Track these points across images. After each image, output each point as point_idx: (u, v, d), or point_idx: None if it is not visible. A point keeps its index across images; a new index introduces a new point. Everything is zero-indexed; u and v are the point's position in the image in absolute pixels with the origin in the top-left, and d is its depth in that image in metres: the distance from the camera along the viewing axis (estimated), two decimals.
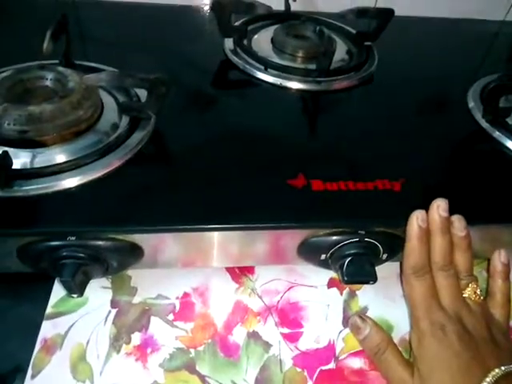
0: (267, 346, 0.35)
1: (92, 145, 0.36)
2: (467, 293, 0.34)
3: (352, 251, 0.34)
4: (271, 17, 0.58)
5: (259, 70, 0.49)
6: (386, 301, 0.39)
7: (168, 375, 0.32)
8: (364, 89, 0.49)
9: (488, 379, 0.29)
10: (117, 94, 0.42)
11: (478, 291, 0.34)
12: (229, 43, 0.52)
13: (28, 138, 0.34)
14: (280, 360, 0.34)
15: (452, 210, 0.33)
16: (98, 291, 0.37)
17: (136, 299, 0.37)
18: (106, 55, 0.48)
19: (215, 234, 0.33)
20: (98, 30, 0.55)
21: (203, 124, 0.42)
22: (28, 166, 0.34)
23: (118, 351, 0.33)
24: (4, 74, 0.38)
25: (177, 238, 0.33)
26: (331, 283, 0.39)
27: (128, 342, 0.34)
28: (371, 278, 0.33)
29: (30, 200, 0.31)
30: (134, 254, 0.33)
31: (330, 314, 0.37)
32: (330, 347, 0.35)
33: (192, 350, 0.34)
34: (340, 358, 0.35)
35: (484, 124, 0.44)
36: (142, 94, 0.39)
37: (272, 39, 0.54)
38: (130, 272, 0.38)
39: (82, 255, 0.31)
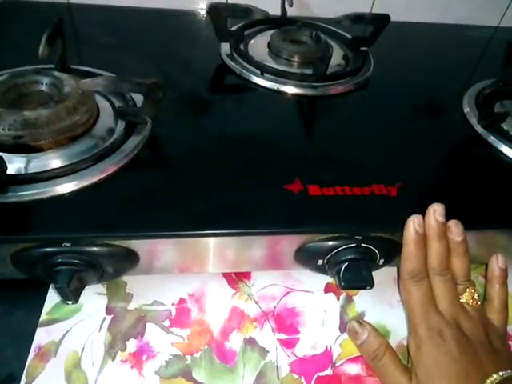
0: (264, 352, 0.34)
1: (88, 150, 0.35)
2: (465, 298, 0.34)
3: (349, 256, 0.34)
4: (268, 22, 0.58)
5: (255, 74, 0.49)
6: (383, 306, 0.39)
7: (164, 382, 0.32)
8: (360, 94, 0.49)
9: None
10: (113, 99, 0.42)
11: (476, 296, 0.34)
12: (225, 48, 0.52)
13: (23, 143, 0.34)
14: (277, 366, 0.34)
15: (448, 215, 0.33)
16: (93, 298, 0.36)
17: (131, 305, 0.36)
18: (101, 59, 0.47)
19: (211, 240, 0.33)
20: (94, 34, 0.55)
21: (199, 129, 0.42)
22: (23, 171, 0.33)
23: (113, 358, 0.33)
24: None
25: (172, 244, 0.33)
26: (328, 288, 0.39)
27: (123, 349, 0.33)
28: (368, 284, 0.33)
29: (24, 206, 0.31)
30: (129, 259, 0.32)
31: (326, 320, 0.37)
32: (327, 353, 0.35)
33: (188, 357, 0.34)
34: (337, 364, 0.34)
35: (479, 129, 0.44)
36: (138, 98, 0.39)
37: (268, 44, 0.54)
38: (125, 278, 0.38)
39: (77, 261, 0.31)
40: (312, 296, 0.39)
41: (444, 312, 0.33)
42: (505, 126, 0.44)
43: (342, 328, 0.37)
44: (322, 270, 0.36)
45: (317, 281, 0.40)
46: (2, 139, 0.34)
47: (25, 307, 0.35)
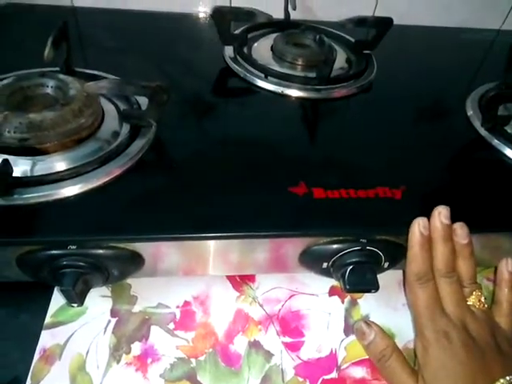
0: (269, 355, 0.34)
1: (93, 153, 0.36)
2: (471, 300, 0.34)
3: (354, 259, 0.34)
4: (271, 25, 0.58)
5: (259, 77, 0.49)
6: (387, 309, 0.38)
7: None
8: (363, 97, 0.49)
9: None
10: (117, 102, 0.42)
11: (483, 299, 0.34)
12: (229, 51, 0.53)
13: (28, 145, 0.34)
14: (282, 370, 0.34)
15: (452, 218, 0.33)
16: (98, 300, 0.36)
17: (136, 308, 0.36)
18: (106, 62, 0.48)
19: (216, 242, 0.33)
20: (98, 37, 0.55)
21: (204, 132, 0.42)
22: (28, 174, 0.33)
23: (118, 361, 0.33)
24: (4, 82, 0.37)
25: (177, 247, 0.33)
26: (332, 291, 0.39)
27: (128, 352, 0.33)
28: (373, 287, 0.33)
29: (30, 208, 0.31)
30: (134, 262, 0.33)
31: (331, 323, 0.37)
32: (332, 356, 0.35)
33: (193, 360, 0.33)
34: (342, 368, 0.34)
35: (483, 132, 0.44)
36: (143, 101, 0.39)
37: (272, 47, 0.54)
38: (129, 280, 0.38)
39: (83, 264, 0.31)
40: (316, 299, 0.39)
41: (451, 314, 0.32)
42: (508, 129, 0.44)
43: (347, 331, 0.37)
44: (326, 273, 0.36)
45: (321, 284, 0.40)
46: (8, 142, 0.34)
47: (30, 310, 0.35)
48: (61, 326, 0.34)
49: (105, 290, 0.37)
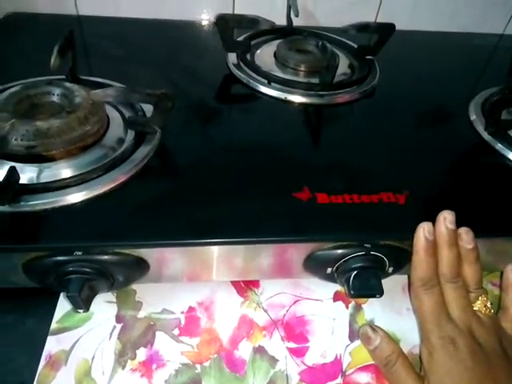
0: (273, 361, 0.34)
1: (98, 159, 0.36)
2: (477, 306, 0.33)
3: (358, 265, 0.34)
4: (274, 32, 0.59)
5: (262, 84, 0.49)
6: (392, 314, 0.38)
7: None
8: (366, 102, 0.50)
9: None
10: (123, 109, 0.42)
11: (489, 304, 0.34)
12: (232, 58, 0.53)
13: (35, 153, 0.34)
14: (287, 375, 0.34)
15: (457, 222, 0.33)
16: (103, 306, 0.37)
17: (141, 314, 0.36)
18: (110, 70, 0.48)
19: (220, 248, 0.33)
20: (103, 45, 0.56)
21: (208, 138, 0.42)
22: (35, 181, 0.34)
23: (124, 367, 0.33)
24: (11, 90, 0.38)
25: (182, 252, 0.33)
26: (337, 297, 0.39)
27: (133, 358, 0.34)
28: (378, 292, 0.33)
29: (36, 215, 0.31)
30: (139, 268, 0.33)
31: (336, 328, 0.37)
32: (337, 362, 0.35)
33: (198, 366, 0.34)
34: (347, 373, 0.34)
35: (486, 136, 0.44)
36: (148, 108, 0.40)
37: (275, 54, 0.54)
38: (134, 286, 0.38)
39: (88, 270, 0.31)
40: (321, 304, 0.39)
41: (456, 319, 0.32)
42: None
43: (352, 336, 0.37)
44: (331, 278, 0.36)
45: (326, 289, 0.40)
46: (15, 149, 0.34)
47: (36, 316, 0.36)
48: (66, 331, 0.35)
49: (110, 296, 0.37)
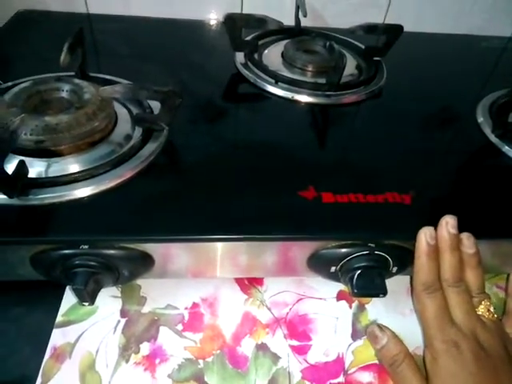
0: (276, 358, 0.35)
1: (106, 155, 0.36)
2: (480, 310, 0.33)
3: (362, 264, 0.34)
4: (282, 32, 0.59)
5: (270, 83, 0.49)
6: (395, 315, 0.38)
7: None
8: (373, 103, 0.50)
9: None
10: (130, 106, 0.43)
11: (492, 309, 0.34)
12: (240, 57, 0.53)
13: (44, 147, 0.35)
14: (289, 372, 0.34)
15: (461, 224, 0.33)
16: (108, 300, 0.37)
17: (145, 309, 0.37)
18: (119, 68, 0.49)
19: (225, 245, 0.33)
20: (113, 43, 0.57)
21: (215, 136, 0.42)
22: (43, 175, 0.34)
23: (127, 361, 0.33)
24: (22, 86, 0.38)
25: (187, 248, 0.33)
26: (340, 296, 0.39)
27: (137, 352, 0.34)
28: (381, 291, 0.33)
29: (44, 208, 0.32)
30: (144, 263, 0.33)
31: (338, 327, 0.37)
32: (339, 360, 0.35)
33: (201, 361, 0.34)
34: (349, 372, 0.34)
35: (493, 139, 0.44)
36: (155, 105, 0.40)
37: (282, 54, 0.55)
38: (139, 281, 0.38)
39: (94, 264, 0.31)
40: (324, 303, 0.39)
41: (460, 324, 0.32)
42: None
43: (355, 335, 0.37)
44: (334, 277, 0.36)
45: (329, 288, 0.40)
46: (25, 144, 0.34)
47: (41, 309, 0.36)
48: (72, 324, 0.35)
49: (115, 291, 0.38)
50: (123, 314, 0.36)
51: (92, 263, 0.31)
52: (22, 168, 0.32)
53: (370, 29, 0.53)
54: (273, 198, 0.35)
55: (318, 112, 0.48)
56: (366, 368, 0.35)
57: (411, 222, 0.34)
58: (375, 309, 0.39)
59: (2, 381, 0.32)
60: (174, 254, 0.34)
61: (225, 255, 0.34)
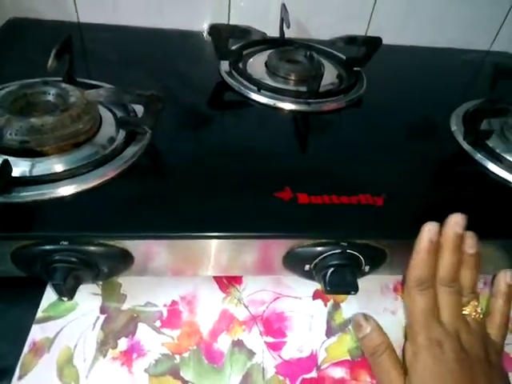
0: (251, 354, 0.35)
1: (89, 156, 0.37)
2: (468, 309, 0.34)
3: (334, 262, 0.35)
4: (267, 42, 0.61)
5: (253, 91, 0.51)
6: (369, 313, 0.39)
7: (152, 380, 0.33)
8: (352, 110, 0.52)
9: None
10: (116, 110, 0.44)
11: (479, 309, 0.34)
12: (225, 66, 0.55)
13: (28, 147, 0.36)
14: (263, 368, 0.35)
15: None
16: (88, 297, 0.38)
17: (125, 306, 0.37)
18: (107, 74, 0.50)
19: (202, 243, 0.34)
20: (102, 50, 0.58)
21: (197, 140, 0.44)
22: (27, 174, 0.35)
23: (105, 356, 0.34)
24: (9, 89, 0.40)
25: (166, 246, 0.34)
26: (316, 295, 0.40)
27: (115, 347, 0.35)
28: (352, 289, 0.35)
29: (26, 206, 0.33)
30: (124, 260, 0.34)
31: (313, 325, 0.38)
32: (313, 357, 0.36)
33: (177, 356, 0.35)
34: (322, 368, 0.35)
35: (466, 146, 0.46)
36: (139, 109, 0.41)
37: (266, 63, 0.56)
38: (120, 280, 0.39)
39: (74, 260, 0.32)
40: (300, 302, 0.40)
41: (446, 323, 0.33)
42: (490, 143, 0.45)
43: (329, 333, 0.38)
44: (309, 275, 0.37)
45: (306, 288, 0.41)
46: (10, 144, 0.36)
47: (23, 304, 0.37)
48: (51, 320, 0.36)
49: (95, 288, 0.39)
50: (103, 310, 0.37)
51: (71, 259, 0.32)
52: (5, 167, 0.33)
53: (350, 40, 0.55)
54: (251, 198, 0.37)
55: (299, 119, 0.50)
56: (339, 364, 0.36)
57: (382, 223, 0.36)
58: (350, 307, 0.40)
59: None
60: (152, 251, 0.35)
61: (203, 253, 0.35)
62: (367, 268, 0.36)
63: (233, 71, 0.54)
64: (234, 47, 0.58)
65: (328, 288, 0.35)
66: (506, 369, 0.34)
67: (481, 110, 0.44)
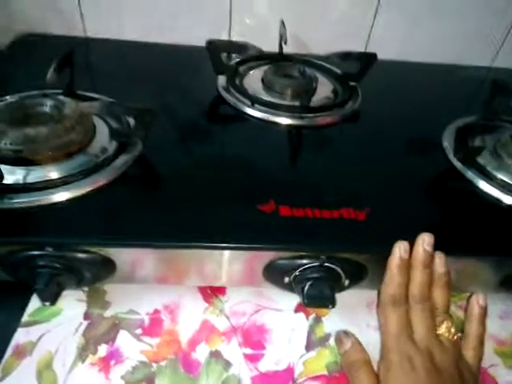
0: (228, 365, 0.36)
1: (81, 165, 0.39)
2: (441, 330, 0.34)
3: (313, 275, 0.35)
4: (265, 57, 0.62)
5: (247, 105, 0.52)
6: (352, 328, 0.39)
7: None
8: (345, 125, 0.52)
9: None
10: (111, 121, 0.45)
11: (453, 330, 0.34)
12: (222, 80, 0.56)
13: (22, 156, 0.37)
14: (239, 379, 0.35)
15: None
16: (73, 304, 0.39)
17: (108, 313, 0.38)
18: (108, 87, 0.52)
19: (184, 252, 0.35)
20: (105, 64, 0.60)
21: (188, 152, 0.45)
22: (20, 182, 0.37)
23: (84, 361, 0.35)
24: (8, 100, 0.42)
25: (148, 254, 0.35)
26: (298, 308, 0.40)
27: (94, 353, 0.35)
28: (330, 302, 0.35)
29: (15, 212, 0.34)
30: (106, 267, 0.35)
31: (293, 338, 0.38)
32: (289, 370, 0.36)
33: (154, 365, 0.35)
34: (298, 381, 0.35)
35: (456, 163, 0.45)
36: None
37: (262, 78, 0.57)
38: (105, 287, 0.40)
39: (57, 265, 0.33)
40: (282, 314, 0.40)
41: (419, 341, 0.33)
42: (481, 160, 0.45)
43: (308, 347, 0.38)
44: (289, 288, 0.37)
45: (288, 300, 0.41)
46: (4, 153, 0.37)
47: (9, 308, 0.38)
48: (36, 324, 0.37)
49: (81, 295, 0.39)
50: (86, 316, 0.38)
51: (54, 265, 0.33)
52: None
53: (345, 56, 0.56)
54: (234, 209, 0.37)
55: (292, 133, 0.50)
56: (315, 378, 0.35)
57: (363, 238, 0.36)
58: (332, 322, 0.40)
59: None
60: (135, 259, 0.36)
61: (182, 263, 0.36)
62: (347, 282, 0.36)
63: (229, 86, 0.56)
64: (231, 62, 0.59)
65: (306, 301, 0.35)
66: None
67: (471, 126, 0.44)
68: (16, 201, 0.35)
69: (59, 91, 0.47)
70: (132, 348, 0.36)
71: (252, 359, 0.36)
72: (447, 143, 0.48)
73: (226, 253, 0.35)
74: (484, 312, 0.37)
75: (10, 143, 0.37)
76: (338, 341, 0.37)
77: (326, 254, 0.35)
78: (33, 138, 0.38)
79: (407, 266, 0.34)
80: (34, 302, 0.38)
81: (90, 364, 0.34)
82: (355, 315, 0.40)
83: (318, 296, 0.35)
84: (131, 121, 0.44)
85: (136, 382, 0.34)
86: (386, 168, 0.45)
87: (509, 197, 0.41)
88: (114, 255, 0.34)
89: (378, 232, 0.37)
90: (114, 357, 0.35)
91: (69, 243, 0.33)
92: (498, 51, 0.71)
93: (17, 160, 0.38)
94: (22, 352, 0.35)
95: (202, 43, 0.66)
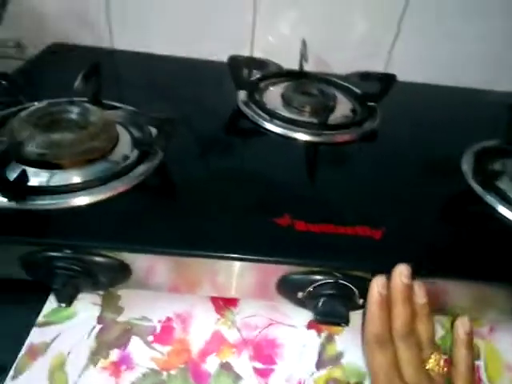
0: (237, 377, 0.35)
1: (102, 171, 0.40)
2: (430, 364, 0.33)
3: (327, 292, 0.35)
4: (286, 75, 0.63)
5: (266, 120, 0.53)
6: (362, 349, 0.39)
7: None
8: (363, 144, 0.52)
9: None
10: (133, 130, 0.47)
11: (442, 362, 0.34)
12: (242, 95, 0.57)
13: (45, 160, 0.39)
14: None
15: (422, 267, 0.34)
16: (88, 307, 0.39)
17: (121, 318, 0.39)
18: (134, 98, 0.53)
19: (199, 262, 0.35)
20: (131, 75, 0.62)
21: (207, 164, 0.45)
22: (44, 184, 0.38)
23: (95, 365, 0.35)
24: (37, 106, 0.43)
25: (162, 261, 0.36)
26: (311, 325, 0.40)
27: (106, 357, 0.35)
28: (342, 320, 0.34)
29: (38, 213, 0.35)
30: (121, 272, 0.35)
31: (305, 355, 0.38)
32: None
33: (164, 373, 0.35)
34: None
35: (475, 186, 0.45)
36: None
37: (282, 94, 0.58)
38: (120, 292, 0.41)
39: (74, 267, 0.34)
40: (294, 330, 0.40)
41: (408, 380, 0.32)
42: (502, 186, 0.44)
43: (319, 364, 0.37)
44: (301, 303, 0.37)
45: (301, 316, 0.41)
46: (30, 156, 0.39)
47: (26, 308, 0.38)
48: (51, 325, 0.37)
49: (96, 299, 0.40)
50: (100, 320, 0.38)
51: (72, 267, 0.34)
52: (22, 176, 0.36)
53: (364, 76, 0.56)
54: (250, 222, 0.38)
55: (310, 149, 0.51)
56: None
57: (378, 257, 0.36)
58: (344, 340, 0.39)
59: None
60: (150, 266, 0.36)
61: (196, 272, 0.36)
62: (361, 301, 0.36)
63: (249, 101, 0.57)
64: (252, 78, 0.60)
65: (318, 317, 0.35)
66: None
67: (491, 150, 0.44)
68: (38, 202, 0.36)
69: (85, 99, 0.48)
70: (143, 354, 0.36)
71: (262, 374, 0.36)
72: (466, 166, 0.48)
73: (240, 264, 0.36)
74: (471, 338, 0.35)
75: (36, 146, 0.39)
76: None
77: (340, 271, 0.35)
78: (58, 143, 0.39)
79: (387, 301, 0.33)
80: (50, 304, 0.39)
81: (101, 368, 0.35)
82: None
83: (330, 313, 0.34)
84: (153, 130, 0.45)
85: None
86: (402, 188, 0.45)
87: None
88: (129, 260, 0.35)
89: (393, 252, 0.36)
90: (125, 362, 0.35)
91: (86, 246, 0.34)
92: None
93: (42, 163, 0.39)
94: (35, 352, 0.35)
95: (225, 58, 0.68)
